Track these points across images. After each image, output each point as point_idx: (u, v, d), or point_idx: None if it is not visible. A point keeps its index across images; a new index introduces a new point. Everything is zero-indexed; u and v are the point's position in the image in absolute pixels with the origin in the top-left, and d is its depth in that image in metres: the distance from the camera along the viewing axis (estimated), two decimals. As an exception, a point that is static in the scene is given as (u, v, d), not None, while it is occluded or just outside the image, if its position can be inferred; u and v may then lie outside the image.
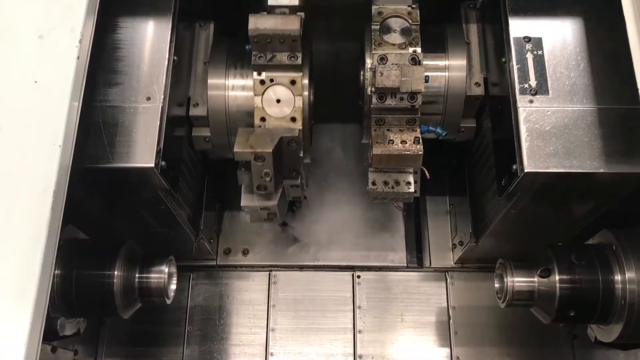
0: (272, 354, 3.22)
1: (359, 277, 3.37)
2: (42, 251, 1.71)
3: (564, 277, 2.33)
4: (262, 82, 2.44)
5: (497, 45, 2.53)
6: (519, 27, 2.36)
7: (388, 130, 2.47)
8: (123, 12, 2.42)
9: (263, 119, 2.46)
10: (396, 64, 2.37)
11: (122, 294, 2.36)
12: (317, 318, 3.30)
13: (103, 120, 2.23)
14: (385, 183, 2.58)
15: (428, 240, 3.43)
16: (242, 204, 2.53)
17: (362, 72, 2.67)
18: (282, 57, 2.44)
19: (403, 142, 2.44)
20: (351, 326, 3.27)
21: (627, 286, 2.24)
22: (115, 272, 2.34)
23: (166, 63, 2.34)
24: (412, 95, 2.39)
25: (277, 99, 2.46)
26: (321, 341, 3.25)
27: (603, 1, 2.35)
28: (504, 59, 2.39)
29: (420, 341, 3.26)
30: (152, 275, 2.46)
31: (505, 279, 2.45)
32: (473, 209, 3.09)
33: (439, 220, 3.45)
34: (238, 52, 2.69)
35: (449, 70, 2.67)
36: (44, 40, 1.93)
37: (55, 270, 1.94)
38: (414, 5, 2.54)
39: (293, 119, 2.47)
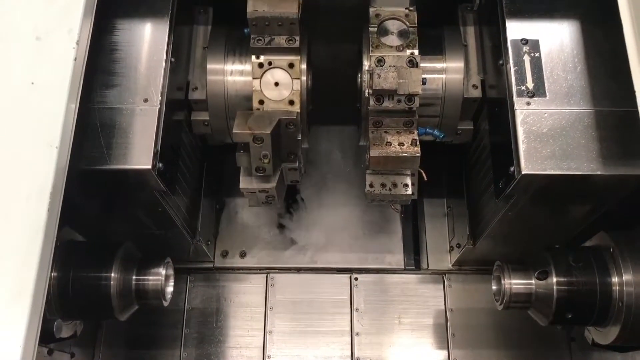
0: (269, 357, 3.22)
1: (356, 279, 3.36)
2: (38, 253, 1.71)
3: (562, 279, 2.33)
4: (261, 65, 2.45)
5: (494, 47, 2.53)
6: (516, 29, 2.36)
7: (385, 132, 2.47)
8: (120, 13, 2.43)
9: (261, 102, 2.49)
10: (394, 66, 2.38)
11: (119, 296, 2.35)
12: (314, 320, 3.29)
13: (100, 121, 2.23)
14: (383, 185, 2.58)
15: (425, 243, 3.43)
16: (240, 187, 2.54)
17: (359, 74, 2.67)
18: (281, 40, 2.47)
19: (400, 144, 2.44)
20: (349, 329, 3.27)
21: (625, 288, 2.24)
22: (112, 274, 2.33)
23: (163, 65, 2.34)
24: (410, 97, 2.39)
25: (275, 82, 2.48)
26: (319, 344, 3.24)
27: (600, 4, 2.36)
28: (501, 61, 2.40)
29: (417, 344, 3.25)
30: (149, 277, 2.45)
31: (502, 281, 2.45)
32: (470, 211, 3.09)
33: (437, 223, 3.45)
34: (237, 37, 2.71)
35: (447, 73, 2.68)
36: (42, 41, 1.93)
37: (52, 272, 1.94)
38: (411, 8, 2.54)
39: (291, 102, 2.49)
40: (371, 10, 2.55)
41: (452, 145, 2.98)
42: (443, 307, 3.30)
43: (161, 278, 2.45)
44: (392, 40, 2.49)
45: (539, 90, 2.26)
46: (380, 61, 2.41)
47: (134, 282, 2.42)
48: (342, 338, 3.26)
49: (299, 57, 2.45)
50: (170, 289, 2.57)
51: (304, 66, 2.56)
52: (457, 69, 2.68)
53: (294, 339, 3.27)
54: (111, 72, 2.32)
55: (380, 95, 2.40)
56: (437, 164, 3.35)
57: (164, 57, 2.35)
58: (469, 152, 3.03)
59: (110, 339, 3.21)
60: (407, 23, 2.52)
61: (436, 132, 2.62)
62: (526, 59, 2.31)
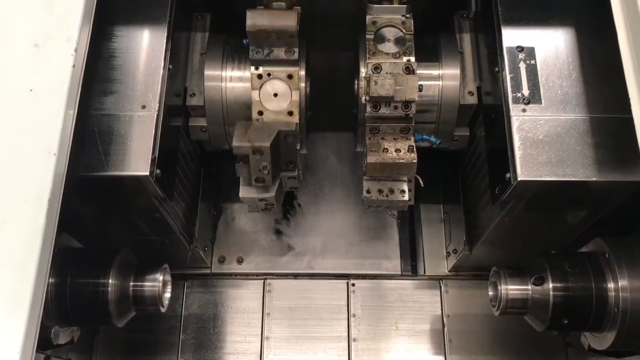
0: (266, 363, 3.22)
1: (353, 285, 3.37)
2: (36, 260, 1.71)
3: (558, 285, 2.34)
4: (260, 76, 2.46)
5: (490, 54, 2.55)
6: (511, 36, 2.38)
7: (382, 138, 2.48)
8: (119, 20, 2.43)
9: (261, 113, 2.50)
10: (390, 73, 2.39)
11: (116, 302, 2.35)
12: (311, 326, 3.29)
13: (98, 128, 2.23)
14: (380, 191, 2.59)
15: (422, 248, 3.44)
16: (240, 196, 2.56)
17: (356, 81, 2.69)
18: (279, 52, 2.48)
19: (397, 150, 2.45)
20: (346, 334, 3.27)
21: (620, 294, 2.25)
22: (110, 280, 2.33)
23: (161, 71, 2.35)
24: (406, 104, 2.41)
25: (274, 93, 2.49)
26: (316, 349, 3.25)
27: (595, 11, 2.38)
28: (497, 68, 2.41)
29: (414, 349, 3.25)
30: (147, 283, 2.45)
31: (499, 287, 2.46)
32: (467, 217, 3.10)
33: (433, 228, 3.46)
34: (234, 44, 2.73)
35: (443, 79, 2.69)
36: (40, 48, 1.93)
37: (49, 278, 1.94)
38: (407, 15, 2.55)
39: (290, 113, 2.50)
40: (368, 17, 2.56)
41: (448, 151, 2.99)
42: (440, 313, 3.30)
43: (158, 284, 2.45)
44: (389, 47, 2.50)
45: (534, 97, 2.28)
46: (377, 68, 2.42)
47: (131, 288, 2.42)
48: (339, 344, 3.26)
49: (297, 68, 2.46)
50: (167, 295, 2.57)
51: (302, 73, 2.57)
52: (454, 75, 2.70)
53: (291, 344, 3.27)
54: (109, 79, 2.33)
55: (377, 102, 2.41)
56: (434, 170, 3.40)
57: (162, 64, 2.36)
58: (465, 158, 3.04)
59: (107, 345, 3.20)
60: (404, 30, 2.53)
61: (433, 139, 2.63)
62: (522, 66, 2.33)
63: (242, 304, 3.34)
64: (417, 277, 3.39)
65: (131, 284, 2.42)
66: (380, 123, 2.48)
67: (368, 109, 2.43)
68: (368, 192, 2.59)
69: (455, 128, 2.80)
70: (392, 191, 2.59)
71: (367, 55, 2.48)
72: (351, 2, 2.83)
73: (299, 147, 2.56)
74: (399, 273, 3.40)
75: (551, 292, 2.33)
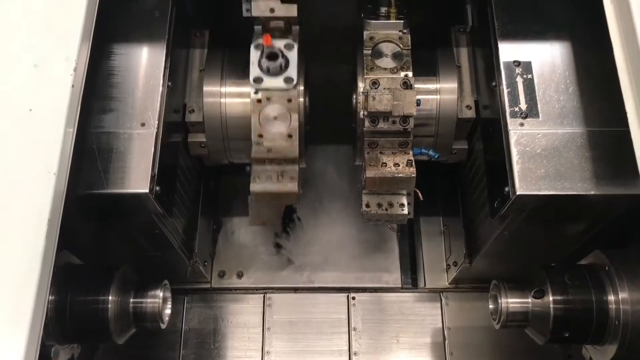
0: (267, 377, 3.21)
1: (353, 298, 3.36)
2: (36, 280, 1.70)
3: (558, 297, 2.33)
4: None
5: (487, 68, 2.56)
6: (508, 51, 2.39)
7: (381, 153, 2.49)
8: (117, 38, 2.44)
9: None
10: (388, 88, 2.40)
11: (116, 319, 2.34)
12: (312, 340, 3.29)
13: (98, 146, 2.24)
14: (379, 205, 2.59)
15: (422, 261, 3.44)
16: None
17: (354, 96, 2.70)
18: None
19: (396, 164, 2.46)
20: (346, 348, 3.26)
21: (621, 306, 2.24)
22: (110, 297, 2.32)
23: (160, 89, 2.35)
24: (404, 118, 2.42)
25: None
26: (316, 364, 3.24)
27: (590, 25, 2.39)
28: (494, 83, 2.42)
29: (416, 363, 3.25)
30: (147, 300, 2.44)
31: (499, 300, 2.45)
32: (466, 230, 3.10)
33: (433, 241, 3.46)
34: (233, 60, 2.74)
35: (440, 94, 2.70)
36: (39, 68, 1.94)
37: (49, 296, 1.93)
38: (404, 31, 2.57)
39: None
40: (365, 33, 2.58)
41: (447, 164, 3.00)
42: (441, 326, 3.30)
43: (159, 301, 2.45)
44: (386, 62, 2.51)
45: (532, 111, 2.29)
46: (374, 83, 2.43)
47: (131, 305, 2.41)
48: (340, 358, 3.24)
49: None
50: (168, 311, 2.56)
51: (301, 87, 2.58)
52: (451, 89, 2.71)
53: (292, 359, 3.25)
54: (108, 96, 2.34)
55: (375, 116, 2.42)
56: (433, 183, 3.40)
57: (161, 82, 2.37)
58: (464, 171, 3.05)
59: (107, 361, 3.19)
60: (401, 45, 2.55)
61: (431, 152, 2.63)
62: (519, 80, 2.34)
63: (242, 319, 3.34)
64: (417, 290, 3.39)
65: (131, 300, 2.41)
66: (379, 137, 2.49)
67: (366, 123, 2.44)
68: (367, 206, 2.59)
69: (453, 141, 2.81)
70: (391, 205, 2.59)
71: (365, 71, 2.49)
72: (349, 17, 2.85)
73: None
74: (400, 286, 3.40)
75: (551, 305, 2.32)
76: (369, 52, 2.53)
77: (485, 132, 2.65)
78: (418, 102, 2.41)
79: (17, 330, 1.66)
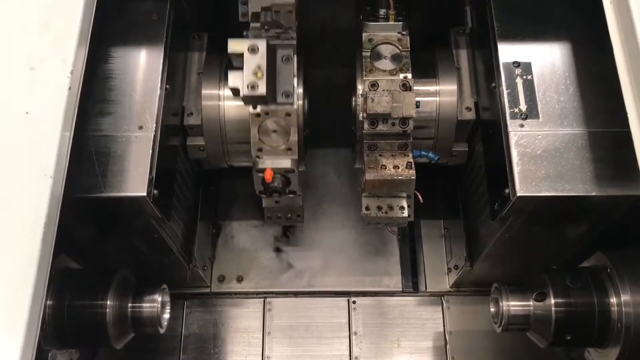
0: (267, 382, 3.19)
1: (354, 302, 3.34)
2: (32, 283, 1.69)
3: (560, 300, 2.31)
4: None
5: (486, 70, 2.55)
6: (508, 52, 2.38)
7: (380, 155, 2.48)
8: (115, 41, 2.44)
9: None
10: (387, 90, 2.39)
11: (114, 323, 2.33)
12: (313, 345, 3.27)
13: (95, 149, 2.23)
14: (379, 208, 2.58)
15: (423, 265, 3.42)
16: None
17: (353, 98, 2.69)
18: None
19: (395, 167, 2.45)
20: (347, 353, 3.24)
21: (623, 309, 2.23)
22: (108, 302, 2.31)
23: (158, 92, 2.35)
24: (404, 120, 2.41)
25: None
26: (317, 368, 3.22)
27: (590, 25, 2.38)
28: (494, 84, 2.41)
29: (417, 367, 3.23)
30: (145, 304, 2.43)
31: (500, 304, 2.43)
32: (467, 233, 3.09)
33: (434, 244, 3.45)
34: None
35: (440, 95, 2.69)
36: (36, 71, 1.93)
37: (46, 300, 1.92)
38: (403, 32, 2.57)
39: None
40: (364, 35, 2.57)
41: (447, 167, 2.98)
42: (442, 330, 3.28)
43: (157, 305, 2.43)
44: (386, 64, 2.51)
45: (532, 112, 2.28)
46: (373, 85, 2.42)
47: (129, 309, 2.40)
48: (341, 362, 3.23)
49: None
50: (166, 316, 2.55)
51: (300, 90, 2.57)
52: (451, 91, 2.70)
53: (293, 364, 3.24)
54: (106, 99, 2.33)
55: (374, 118, 2.41)
56: (433, 186, 3.39)
57: (159, 84, 2.36)
58: (464, 173, 3.04)
59: (106, 366, 3.18)
60: (400, 47, 2.54)
61: (431, 155, 2.63)
62: (519, 81, 2.33)
63: (242, 323, 3.32)
64: (418, 293, 3.37)
65: (130, 305, 2.40)
66: (378, 140, 2.48)
67: (365, 126, 2.43)
68: (367, 209, 2.58)
69: (453, 144, 2.80)
70: (391, 208, 2.58)
71: (364, 73, 2.48)
72: (348, 19, 2.85)
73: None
74: (400, 290, 3.38)
75: (553, 308, 2.31)
76: (368, 54, 2.53)
77: (485, 133, 2.64)
78: (417, 104, 2.40)
79: (13, 335, 1.64)
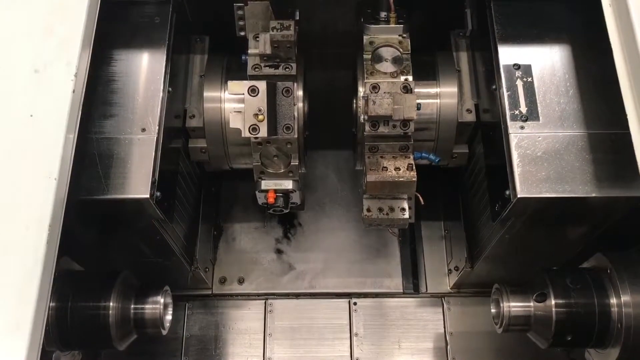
0: (269, 384, 3.20)
1: (355, 304, 3.35)
2: (37, 284, 1.70)
3: (560, 301, 2.32)
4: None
5: (487, 72, 2.57)
6: (508, 54, 2.40)
7: (381, 157, 2.49)
8: (118, 44, 2.45)
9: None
10: (388, 92, 2.40)
11: (117, 325, 2.34)
12: (314, 346, 3.28)
13: (98, 152, 2.24)
14: (380, 209, 2.59)
15: (424, 266, 3.43)
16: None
17: (354, 100, 2.70)
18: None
19: (397, 168, 2.46)
20: (348, 354, 3.25)
21: (623, 309, 2.24)
22: (111, 304, 2.32)
23: (161, 94, 2.36)
24: (405, 122, 2.42)
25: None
26: (318, 370, 3.23)
27: (590, 28, 2.40)
28: (494, 86, 2.43)
29: (418, 368, 3.24)
30: (148, 306, 2.44)
31: (501, 304, 2.44)
32: (468, 234, 3.10)
33: (435, 246, 3.46)
34: (233, 65, 2.75)
35: (441, 98, 2.71)
36: (40, 74, 1.95)
37: (50, 302, 1.93)
38: (404, 35, 2.58)
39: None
40: (365, 38, 2.58)
41: (448, 168, 3.00)
42: (443, 331, 3.29)
43: (160, 307, 2.44)
44: (386, 66, 2.52)
45: (532, 114, 2.29)
46: (375, 88, 2.43)
47: (132, 311, 2.41)
48: (342, 364, 3.24)
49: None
50: (168, 317, 2.56)
51: (300, 92, 2.59)
52: (451, 93, 2.71)
53: (294, 365, 3.25)
54: (109, 102, 2.35)
55: (375, 121, 2.43)
56: (434, 188, 3.40)
57: (161, 87, 2.37)
58: (464, 175, 3.05)
59: (108, 368, 3.18)
60: (401, 50, 2.55)
61: (432, 157, 2.64)
62: (519, 83, 2.34)
63: (243, 325, 3.33)
64: (419, 295, 3.38)
65: (132, 306, 2.41)
66: (379, 142, 2.49)
67: (367, 128, 2.44)
68: (368, 210, 2.59)
69: (454, 145, 2.81)
70: (392, 209, 2.59)
71: (365, 75, 2.49)
72: (348, 22, 2.87)
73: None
74: (401, 291, 3.39)
75: (554, 309, 2.32)
76: (369, 56, 2.54)
77: (485, 135, 2.65)
78: (418, 106, 2.41)
79: (18, 336, 1.66)
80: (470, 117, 2.71)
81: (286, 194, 2.65)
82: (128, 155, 2.25)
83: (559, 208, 2.25)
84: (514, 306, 2.42)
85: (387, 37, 2.58)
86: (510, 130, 2.27)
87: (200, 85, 2.76)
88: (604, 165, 2.20)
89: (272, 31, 2.38)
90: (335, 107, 3.07)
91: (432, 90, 2.71)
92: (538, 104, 2.30)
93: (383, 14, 2.59)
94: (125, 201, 2.22)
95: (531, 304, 2.38)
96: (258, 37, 2.44)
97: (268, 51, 2.41)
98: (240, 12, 2.45)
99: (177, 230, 2.72)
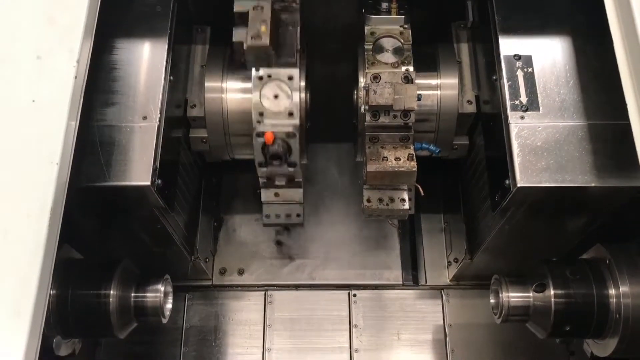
0: (268, 374, 3.20)
1: (355, 295, 3.36)
2: (38, 271, 1.71)
3: (559, 291, 2.34)
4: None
5: (487, 63, 2.57)
6: (509, 45, 2.40)
7: (382, 147, 2.49)
8: (120, 33, 2.45)
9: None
10: (389, 83, 2.41)
11: (118, 313, 2.35)
12: (313, 337, 3.29)
13: (100, 139, 2.25)
14: (380, 200, 2.60)
15: (423, 258, 3.44)
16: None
17: (355, 91, 2.71)
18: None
19: (397, 159, 2.46)
20: (347, 345, 3.26)
21: (622, 300, 2.25)
22: (111, 292, 2.33)
23: (162, 83, 2.36)
24: (405, 112, 2.42)
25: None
26: (318, 361, 3.24)
27: (590, 19, 2.40)
28: (494, 77, 2.43)
29: (417, 359, 3.24)
30: (148, 294, 2.44)
31: (500, 295, 2.46)
32: (467, 226, 3.11)
33: (434, 238, 3.47)
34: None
35: (441, 89, 2.71)
36: (42, 60, 1.95)
37: (51, 289, 1.93)
38: (405, 26, 2.58)
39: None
40: (366, 28, 2.59)
41: (448, 160, 3.00)
42: (442, 323, 3.30)
43: (160, 295, 2.45)
44: (387, 57, 2.52)
45: (532, 104, 2.29)
46: (376, 78, 2.44)
47: (132, 299, 2.42)
48: (341, 355, 3.24)
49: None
50: (169, 305, 2.57)
51: (302, 84, 2.58)
52: (452, 85, 2.72)
53: (293, 356, 3.25)
54: (110, 90, 2.35)
55: (376, 111, 2.43)
56: (434, 179, 3.41)
57: (163, 76, 2.38)
58: (465, 166, 3.06)
59: (108, 357, 3.19)
60: (402, 40, 2.56)
61: (432, 147, 2.64)
62: (519, 74, 2.35)
63: (243, 316, 3.34)
64: (418, 286, 3.39)
65: (133, 294, 2.42)
66: (380, 132, 2.49)
67: (367, 118, 2.44)
68: (368, 201, 2.59)
69: (454, 137, 2.81)
70: (392, 200, 2.59)
71: (366, 65, 2.50)
72: (350, 13, 2.87)
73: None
74: (400, 283, 3.40)
75: (553, 299, 2.33)
76: (370, 47, 2.54)
77: (486, 126, 2.65)
78: (419, 97, 2.42)
79: (19, 322, 1.66)
80: (471, 109, 2.72)
81: (286, 141, 2.46)
82: (129, 142, 2.26)
83: (559, 198, 2.26)
84: (513, 296, 2.43)
85: (388, 28, 2.58)
86: (510, 120, 2.27)
87: (202, 75, 2.76)
88: (604, 155, 2.20)
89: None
90: (336, 100, 3.08)
91: (433, 81, 2.72)
92: (538, 95, 2.31)
93: (385, 5, 2.60)
94: (127, 188, 2.22)
95: (530, 294, 2.39)
96: None
97: None
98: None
99: (178, 219, 2.73)
